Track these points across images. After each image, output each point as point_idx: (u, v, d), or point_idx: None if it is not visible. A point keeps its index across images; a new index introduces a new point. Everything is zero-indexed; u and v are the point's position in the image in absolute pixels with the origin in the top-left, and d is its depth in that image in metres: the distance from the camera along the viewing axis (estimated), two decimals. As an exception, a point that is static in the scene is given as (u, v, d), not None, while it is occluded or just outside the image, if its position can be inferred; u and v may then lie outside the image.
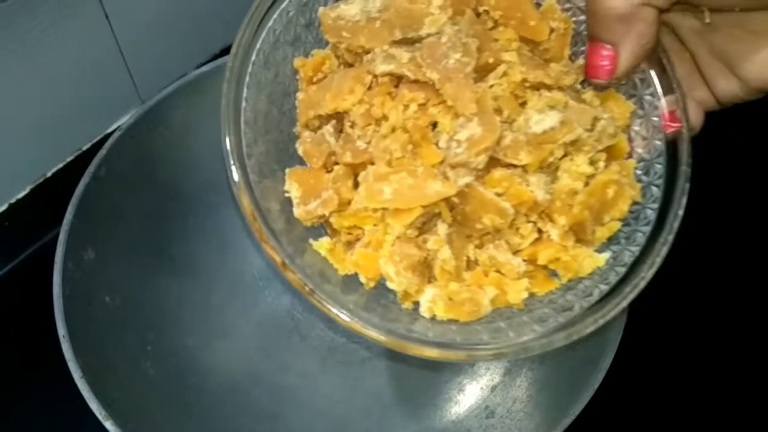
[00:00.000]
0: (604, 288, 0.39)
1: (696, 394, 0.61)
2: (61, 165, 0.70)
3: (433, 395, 0.59)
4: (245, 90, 0.40)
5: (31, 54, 0.61)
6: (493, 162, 0.38)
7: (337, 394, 0.59)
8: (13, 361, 0.61)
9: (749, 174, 0.72)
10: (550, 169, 0.40)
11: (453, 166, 0.37)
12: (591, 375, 0.49)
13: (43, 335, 0.59)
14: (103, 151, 0.56)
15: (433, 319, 0.39)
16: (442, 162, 0.38)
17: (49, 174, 0.70)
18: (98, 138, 0.72)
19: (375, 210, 0.39)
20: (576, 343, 0.38)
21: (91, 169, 0.56)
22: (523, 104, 0.39)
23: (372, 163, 0.39)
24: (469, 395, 0.58)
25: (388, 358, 0.61)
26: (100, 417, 0.47)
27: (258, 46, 0.41)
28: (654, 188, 0.41)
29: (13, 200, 0.69)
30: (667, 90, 0.40)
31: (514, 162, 0.38)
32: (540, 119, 0.38)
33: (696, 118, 0.40)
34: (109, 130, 0.72)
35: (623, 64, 0.37)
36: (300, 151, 0.42)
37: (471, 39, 0.37)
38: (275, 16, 0.41)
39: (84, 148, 0.71)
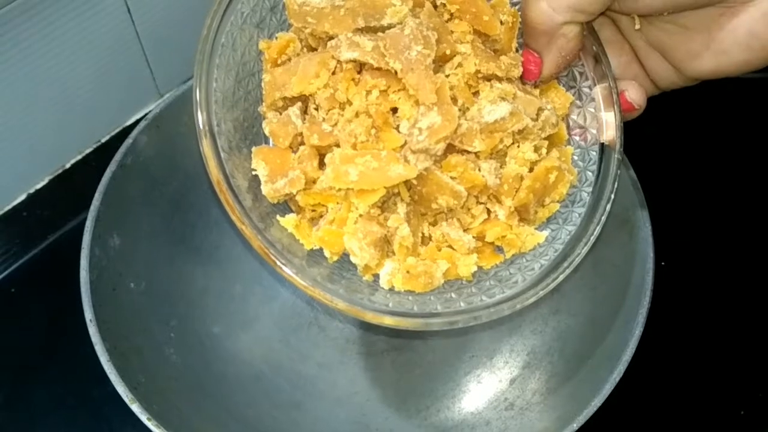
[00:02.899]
0: (544, 263, 0.43)
1: (717, 388, 0.61)
2: (80, 156, 0.71)
3: (452, 387, 0.59)
4: (215, 71, 0.42)
5: (51, 45, 0.61)
6: (450, 148, 0.41)
7: (355, 384, 0.60)
8: (37, 346, 0.62)
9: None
10: (499, 155, 0.43)
11: (414, 152, 0.40)
12: (612, 368, 0.50)
13: (66, 322, 0.60)
14: (129, 140, 0.57)
15: (391, 290, 0.43)
16: (402, 146, 0.40)
17: (68, 165, 0.71)
18: (117, 130, 0.72)
19: (339, 189, 0.41)
20: (520, 312, 0.42)
21: (117, 157, 0.56)
22: (476, 93, 0.42)
23: (337, 146, 0.41)
24: (487, 388, 0.59)
25: (407, 349, 0.61)
26: (126, 399, 0.48)
27: (227, 28, 0.43)
28: (589, 173, 0.45)
29: (32, 190, 0.69)
30: (601, 80, 0.44)
31: (469, 149, 0.41)
32: (492, 109, 0.41)
33: (639, 98, 0.44)
34: (128, 123, 0.73)
35: (546, 71, 0.42)
36: (266, 131, 0.44)
37: (431, 32, 0.40)
38: None
39: (103, 140, 0.72)
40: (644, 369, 0.52)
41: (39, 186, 0.69)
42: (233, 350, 0.59)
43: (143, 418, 0.47)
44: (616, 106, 0.44)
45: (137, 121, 0.59)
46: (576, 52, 0.42)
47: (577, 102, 0.46)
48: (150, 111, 0.58)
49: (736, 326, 0.64)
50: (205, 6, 0.68)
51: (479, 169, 0.42)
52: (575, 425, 0.48)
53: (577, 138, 0.46)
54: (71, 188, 0.69)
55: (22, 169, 0.68)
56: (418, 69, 0.39)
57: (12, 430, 0.58)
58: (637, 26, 0.43)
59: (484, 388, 0.59)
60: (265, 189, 0.43)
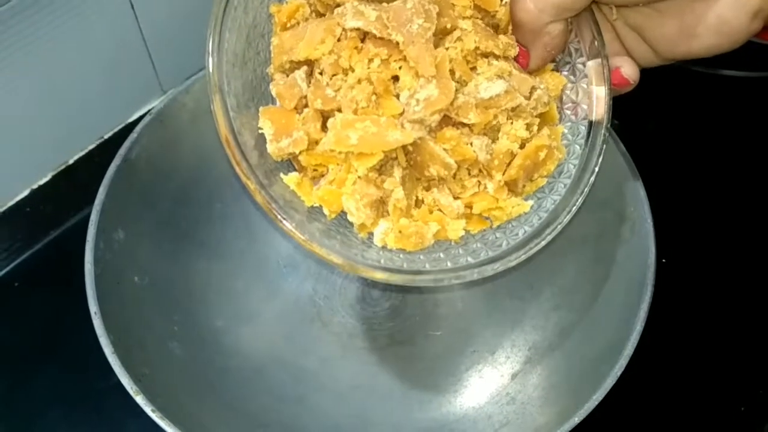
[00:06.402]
0: (528, 229, 0.45)
1: (717, 385, 0.62)
2: (83, 153, 0.71)
3: (454, 382, 0.60)
4: (227, 33, 0.44)
5: (54, 42, 0.61)
6: (445, 119, 0.43)
7: (358, 379, 0.60)
8: (40, 339, 0.62)
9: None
10: (492, 131, 0.45)
11: (410, 122, 0.41)
12: (613, 364, 0.50)
13: (69, 316, 0.60)
14: (134, 134, 0.57)
15: (383, 247, 0.45)
16: (401, 114, 0.42)
17: (71, 161, 0.71)
18: (120, 127, 0.73)
19: (340, 152, 0.43)
20: (502, 273, 0.44)
21: (122, 151, 0.56)
22: (473, 69, 0.44)
23: (339, 110, 0.43)
24: (489, 382, 0.59)
25: (408, 344, 0.62)
26: (131, 392, 0.48)
27: None
28: (576, 146, 0.47)
29: (35, 186, 0.70)
30: (594, 57, 0.46)
31: (464, 120, 0.43)
32: (488, 86, 0.43)
33: (634, 74, 0.45)
34: (131, 119, 0.73)
35: (533, 64, 0.44)
36: (273, 93, 0.45)
37: (432, 5, 0.41)
38: None
39: (106, 137, 0.72)
40: (645, 365, 0.52)
41: (42, 182, 0.70)
42: (236, 344, 0.60)
43: (147, 409, 0.47)
44: (606, 83, 0.45)
45: (140, 118, 0.60)
46: (561, 47, 0.44)
47: (571, 77, 0.47)
48: (153, 107, 0.59)
49: (737, 323, 0.64)
50: (209, 4, 0.68)
51: (471, 144, 0.44)
52: (576, 419, 0.48)
53: (569, 112, 0.48)
54: (74, 184, 0.70)
55: (25, 165, 0.68)
56: (418, 42, 0.41)
57: (16, 422, 0.58)
58: (614, 17, 0.45)
59: (485, 382, 0.59)
60: (270, 148, 0.44)
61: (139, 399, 0.48)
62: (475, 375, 0.60)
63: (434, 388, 0.59)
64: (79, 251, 0.53)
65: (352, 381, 0.60)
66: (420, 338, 0.62)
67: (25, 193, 0.69)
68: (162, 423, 0.47)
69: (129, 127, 0.67)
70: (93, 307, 0.50)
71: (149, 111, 0.58)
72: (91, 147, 0.71)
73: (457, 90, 0.42)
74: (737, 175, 0.72)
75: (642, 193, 0.56)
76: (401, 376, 0.61)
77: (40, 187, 0.70)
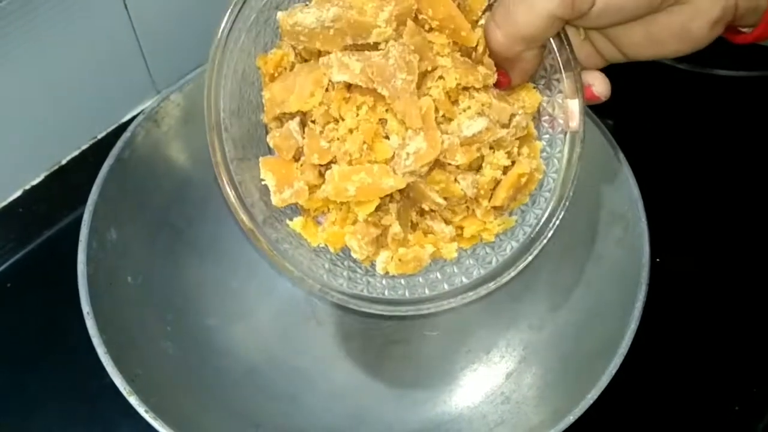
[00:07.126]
0: (515, 244, 0.49)
1: (711, 384, 0.62)
2: (76, 153, 0.71)
3: (449, 382, 0.60)
4: (221, 92, 0.46)
5: (48, 41, 0.61)
6: (435, 162, 0.45)
7: (353, 379, 0.60)
8: (33, 340, 0.62)
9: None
10: (476, 160, 0.47)
11: (403, 174, 0.44)
12: (607, 362, 0.50)
13: (62, 317, 0.60)
14: (127, 134, 0.57)
15: (385, 274, 0.49)
16: (392, 157, 0.44)
17: (64, 161, 0.71)
18: (114, 127, 0.72)
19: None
20: (494, 292, 0.48)
21: (115, 151, 0.56)
22: (455, 102, 0.46)
23: (335, 161, 0.45)
24: (484, 382, 0.59)
25: (403, 344, 0.62)
26: (124, 392, 0.48)
27: (227, 55, 0.46)
28: (555, 160, 0.49)
29: (27, 186, 0.69)
30: (567, 70, 0.47)
31: (452, 162, 0.45)
32: (470, 124, 0.45)
33: (605, 90, 0.47)
34: (125, 119, 0.73)
35: (513, 83, 0.46)
36: (271, 144, 0.47)
37: (413, 56, 0.43)
38: (245, 15, 0.46)
39: (99, 137, 0.72)
40: (640, 363, 0.52)
41: (35, 182, 0.69)
42: (230, 344, 0.60)
43: (141, 410, 0.47)
44: (579, 94, 0.47)
45: (134, 117, 0.60)
46: (538, 67, 0.46)
47: (547, 92, 0.49)
48: (147, 106, 0.59)
49: (731, 322, 0.64)
50: (203, 5, 0.68)
51: (458, 181, 0.46)
52: (571, 418, 0.48)
53: (546, 125, 0.49)
54: (67, 184, 0.69)
55: (18, 166, 0.68)
56: (404, 96, 0.42)
57: (9, 424, 0.58)
58: (582, 37, 0.47)
59: (480, 382, 0.59)
60: (275, 199, 0.46)
61: (133, 399, 0.48)
62: (470, 374, 0.60)
63: (429, 388, 0.59)
64: (72, 251, 0.53)
65: (347, 380, 0.60)
66: (415, 338, 0.62)
67: (18, 193, 0.69)
68: (155, 423, 0.47)
69: (122, 127, 0.67)
70: (86, 307, 0.50)
71: (143, 111, 0.59)
72: (84, 147, 0.71)
73: (440, 124, 0.44)
74: (731, 175, 0.72)
75: (636, 192, 0.56)
76: (396, 375, 0.61)
77: (33, 187, 0.69)
